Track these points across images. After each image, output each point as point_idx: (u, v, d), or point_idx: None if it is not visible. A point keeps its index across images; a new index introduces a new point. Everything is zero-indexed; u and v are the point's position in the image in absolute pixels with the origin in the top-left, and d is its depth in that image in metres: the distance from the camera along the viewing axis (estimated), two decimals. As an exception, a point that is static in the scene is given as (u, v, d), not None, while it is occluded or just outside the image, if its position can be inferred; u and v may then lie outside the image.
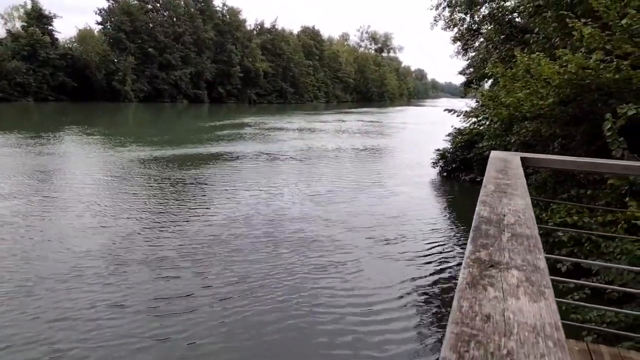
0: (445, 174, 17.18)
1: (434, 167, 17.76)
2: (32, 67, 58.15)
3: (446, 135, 17.92)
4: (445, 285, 7.49)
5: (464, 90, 21.25)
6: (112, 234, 8.90)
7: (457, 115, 15.02)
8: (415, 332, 5.90)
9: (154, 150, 20.58)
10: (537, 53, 7.00)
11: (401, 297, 6.86)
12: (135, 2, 73.63)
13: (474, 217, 1.60)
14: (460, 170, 16.52)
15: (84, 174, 15.07)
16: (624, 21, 5.16)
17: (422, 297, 6.98)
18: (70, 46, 67.16)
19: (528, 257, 1.18)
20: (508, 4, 16.72)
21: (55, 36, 65.20)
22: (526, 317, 0.87)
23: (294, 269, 7.55)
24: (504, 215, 1.57)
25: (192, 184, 14.08)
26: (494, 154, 3.12)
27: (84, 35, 67.41)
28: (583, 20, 5.91)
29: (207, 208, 11.33)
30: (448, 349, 0.76)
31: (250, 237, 9.14)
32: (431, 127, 40.97)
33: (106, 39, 67.62)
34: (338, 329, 5.78)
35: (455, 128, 17.34)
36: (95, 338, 5.31)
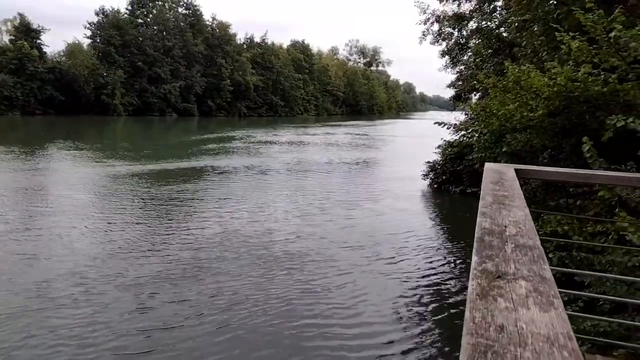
0: (435, 185, 17.28)
1: (424, 179, 17.86)
2: (20, 81, 57.73)
3: (436, 148, 18.06)
4: (443, 300, 7.48)
5: (454, 104, 21.48)
6: (85, 256, 8.45)
7: (447, 128, 15.15)
8: (415, 348, 5.87)
9: (139, 165, 20.11)
10: (527, 65, 7.12)
11: (397, 312, 6.82)
12: (125, 16, 73.72)
13: (476, 228, 1.61)
14: (450, 182, 16.63)
15: (61, 191, 14.47)
16: (611, 34, 5.29)
17: (419, 312, 6.95)
18: (59, 60, 66.84)
19: (534, 268, 1.19)
20: (495, 19, 17.04)
21: (44, 50, 64.97)
22: (539, 328, 0.88)
23: (284, 290, 7.25)
24: (505, 227, 1.58)
25: (177, 200, 13.51)
26: (488, 165, 3.15)
27: (73, 49, 67.18)
28: (571, 34, 6.03)
29: (192, 226, 10.81)
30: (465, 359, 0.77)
31: (237, 256, 8.74)
32: (420, 139, 41.18)
33: (95, 53, 67.42)
34: (334, 351, 5.69)
35: (445, 140, 17.49)
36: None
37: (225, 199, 14.09)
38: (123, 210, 12.08)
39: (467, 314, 0.93)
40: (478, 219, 1.71)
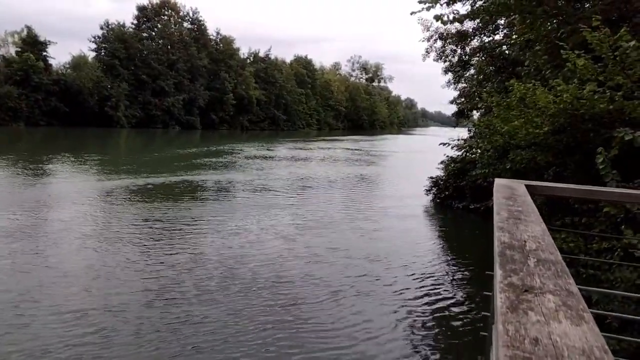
0: (438, 201, 17.27)
1: (427, 194, 17.86)
2: (25, 92, 58.13)
3: (439, 163, 18.08)
4: (449, 317, 7.40)
5: (456, 120, 21.59)
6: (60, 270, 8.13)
7: (452, 148, 15.22)
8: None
9: (138, 178, 19.59)
10: (532, 82, 7.18)
11: (401, 332, 6.74)
12: (130, 29, 74.54)
13: (495, 242, 1.61)
14: (453, 197, 16.62)
15: (56, 204, 14.04)
16: (617, 52, 5.34)
17: (423, 329, 6.89)
18: (64, 72, 67.41)
19: (559, 282, 1.20)
20: (498, 37, 17.22)
21: (49, 62, 65.55)
22: (573, 341, 0.88)
23: (282, 315, 6.84)
24: (525, 241, 1.59)
25: (175, 216, 12.73)
26: (498, 181, 3.16)
27: (78, 62, 67.83)
28: (576, 52, 6.09)
29: (185, 245, 10.12)
30: (505, 371, 0.77)
31: (235, 277, 8.22)
32: (422, 155, 41.28)
33: (100, 66, 68.03)
34: None
35: (448, 156, 17.53)
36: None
37: (221, 215, 13.50)
38: (116, 225, 11.66)
39: (500, 326, 0.94)
40: (496, 233, 1.72)
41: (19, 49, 62.64)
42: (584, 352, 0.84)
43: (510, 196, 2.55)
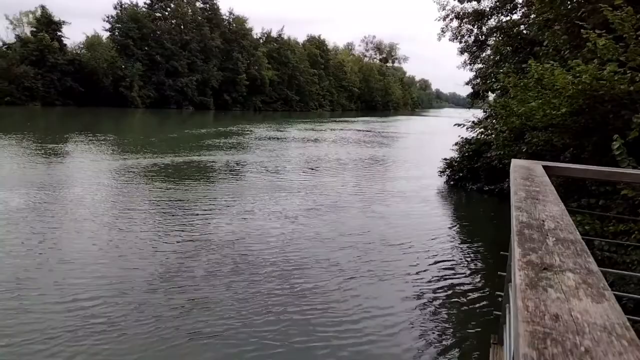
0: (452, 182, 17.19)
1: (440, 175, 17.77)
2: (40, 72, 58.58)
3: (453, 145, 17.93)
4: (463, 298, 7.43)
5: (471, 101, 21.27)
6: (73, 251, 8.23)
7: (467, 129, 15.04)
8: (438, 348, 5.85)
9: (151, 158, 19.83)
10: (551, 63, 7.03)
11: (421, 314, 6.78)
12: (144, 9, 74.27)
13: (513, 222, 1.61)
14: (467, 179, 16.52)
15: (69, 183, 14.26)
16: (639, 32, 5.20)
17: (443, 314, 6.93)
18: (78, 52, 67.66)
19: (579, 261, 1.20)
20: (516, 16, 16.82)
21: (64, 42, 65.78)
22: (594, 318, 0.88)
23: (298, 294, 6.90)
24: (543, 221, 1.58)
25: (187, 196, 12.91)
26: (515, 162, 3.13)
27: (92, 42, 67.93)
28: (597, 31, 5.94)
29: (196, 225, 10.19)
30: (526, 346, 0.77)
31: (245, 260, 8.19)
32: (435, 136, 40.99)
33: (114, 46, 68.09)
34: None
35: (462, 137, 17.36)
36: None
37: (232, 196, 13.57)
38: (127, 205, 11.81)
39: (519, 302, 0.94)
40: (514, 212, 1.71)
41: (34, 29, 62.91)
42: (606, 329, 0.84)
43: (528, 176, 2.53)
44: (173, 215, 10.97)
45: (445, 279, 8.06)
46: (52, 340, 5.30)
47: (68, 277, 7.08)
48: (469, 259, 9.29)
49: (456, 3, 19.10)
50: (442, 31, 20.29)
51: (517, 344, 0.82)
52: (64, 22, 65.92)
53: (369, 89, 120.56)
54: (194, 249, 8.66)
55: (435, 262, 8.82)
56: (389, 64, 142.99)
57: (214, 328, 5.80)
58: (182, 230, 9.74)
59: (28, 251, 8.10)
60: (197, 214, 11.22)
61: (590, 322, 0.86)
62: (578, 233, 1.46)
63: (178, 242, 9.03)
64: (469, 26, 19.39)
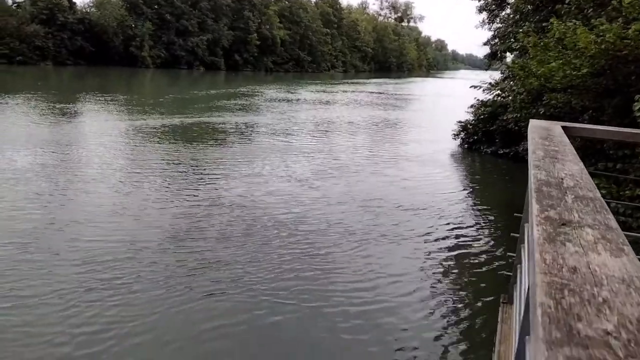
0: (466, 145, 17.03)
1: (454, 138, 17.59)
2: (51, 31, 58.10)
3: (468, 107, 17.63)
4: (479, 262, 7.45)
5: (489, 62, 20.74)
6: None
7: (483, 91, 14.75)
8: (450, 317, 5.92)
9: (161, 119, 19.82)
10: (573, 21, 6.79)
11: (433, 275, 6.87)
12: (153, -35, 72.57)
13: (531, 179, 1.59)
14: (482, 142, 16.34)
15: (79, 142, 14.38)
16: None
17: (455, 275, 7.00)
18: (88, 10, 66.81)
19: (598, 217, 1.19)
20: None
21: (73, 0, 64.85)
22: (612, 271, 0.88)
23: (309, 255, 6.91)
24: (562, 179, 1.56)
25: (196, 158, 12.91)
26: (533, 122, 3.07)
27: (102, 0, 66.91)
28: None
29: (206, 187, 10.25)
30: (543, 295, 0.78)
31: (257, 222, 8.18)
32: (450, 99, 40.28)
33: (124, 4, 67.04)
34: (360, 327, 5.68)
35: (478, 100, 17.06)
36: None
37: (242, 158, 13.48)
38: (136, 165, 11.89)
39: (537, 255, 0.94)
40: (532, 171, 1.69)
41: (43, -13, 61.98)
42: (624, 281, 0.84)
43: (547, 136, 2.49)
44: (183, 177, 11.04)
45: (457, 241, 8.12)
46: (64, 298, 5.39)
47: (79, 236, 7.17)
48: (481, 222, 9.30)
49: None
50: (460, -12, 19.58)
51: (533, 294, 0.83)
52: (73, -21, 64.80)
53: (383, 49, 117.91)
54: (204, 210, 8.69)
55: (447, 225, 8.85)
56: (404, 24, 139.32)
57: (225, 288, 5.88)
58: (192, 192, 9.79)
59: (37, 210, 8.20)
60: (207, 176, 11.27)
61: (609, 274, 0.86)
62: (598, 191, 1.44)
63: (188, 203, 9.06)
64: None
